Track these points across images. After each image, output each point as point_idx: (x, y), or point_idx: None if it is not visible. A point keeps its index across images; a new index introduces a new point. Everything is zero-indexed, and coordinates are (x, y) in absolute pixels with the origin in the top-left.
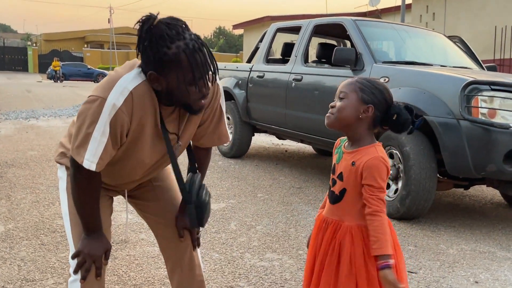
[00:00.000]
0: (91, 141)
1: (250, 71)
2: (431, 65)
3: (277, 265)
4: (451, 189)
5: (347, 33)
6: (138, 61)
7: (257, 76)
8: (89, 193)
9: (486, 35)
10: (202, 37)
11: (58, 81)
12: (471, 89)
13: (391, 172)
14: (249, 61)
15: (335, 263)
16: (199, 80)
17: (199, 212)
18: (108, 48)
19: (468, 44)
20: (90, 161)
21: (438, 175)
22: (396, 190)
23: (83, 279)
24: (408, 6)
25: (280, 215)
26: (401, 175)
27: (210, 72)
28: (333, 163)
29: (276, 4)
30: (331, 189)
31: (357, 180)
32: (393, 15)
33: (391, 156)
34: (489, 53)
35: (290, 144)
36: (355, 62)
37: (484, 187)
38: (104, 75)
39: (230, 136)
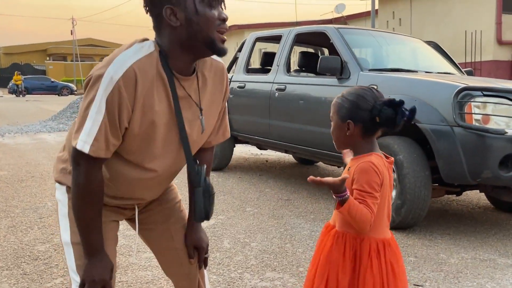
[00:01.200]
0: (87, 121)
1: (230, 81)
2: (416, 71)
3: (279, 284)
4: (443, 196)
5: (330, 41)
6: (138, 40)
7: (238, 87)
8: (90, 198)
9: (452, 39)
10: None
11: (21, 96)
12: (464, 95)
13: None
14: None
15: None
16: (217, 1)
17: (206, 199)
18: (72, 60)
19: (444, 49)
20: (83, 141)
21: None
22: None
23: None
24: (375, 12)
25: (273, 230)
26: (395, 184)
27: None
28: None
29: (242, 12)
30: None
31: (350, 185)
32: (360, 21)
33: None
34: (455, 57)
35: (269, 154)
36: (341, 70)
37: (468, 191)
38: (68, 87)
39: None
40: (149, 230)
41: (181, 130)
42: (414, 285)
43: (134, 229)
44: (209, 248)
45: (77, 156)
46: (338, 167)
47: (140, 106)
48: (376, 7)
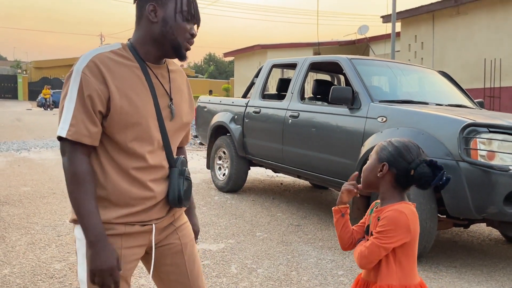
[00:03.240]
0: (63, 112)
1: (246, 106)
2: (427, 103)
3: None
4: (451, 228)
5: (343, 71)
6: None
7: (254, 112)
8: (80, 183)
9: (473, 65)
10: (192, 64)
11: (48, 109)
12: (470, 131)
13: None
14: (244, 96)
15: None
16: (193, 18)
17: (180, 181)
18: None
19: (454, 79)
20: (61, 128)
21: (438, 214)
22: None
23: None
24: (397, 35)
25: (280, 256)
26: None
27: (197, 26)
28: (366, 224)
29: (266, 32)
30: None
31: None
32: (382, 43)
33: None
34: (476, 83)
35: (285, 176)
36: (352, 101)
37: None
38: None
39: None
40: (164, 267)
41: (157, 108)
42: None
43: (149, 267)
44: (216, 272)
45: (61, 145)
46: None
47: (115, 90)
48: (398, 29)
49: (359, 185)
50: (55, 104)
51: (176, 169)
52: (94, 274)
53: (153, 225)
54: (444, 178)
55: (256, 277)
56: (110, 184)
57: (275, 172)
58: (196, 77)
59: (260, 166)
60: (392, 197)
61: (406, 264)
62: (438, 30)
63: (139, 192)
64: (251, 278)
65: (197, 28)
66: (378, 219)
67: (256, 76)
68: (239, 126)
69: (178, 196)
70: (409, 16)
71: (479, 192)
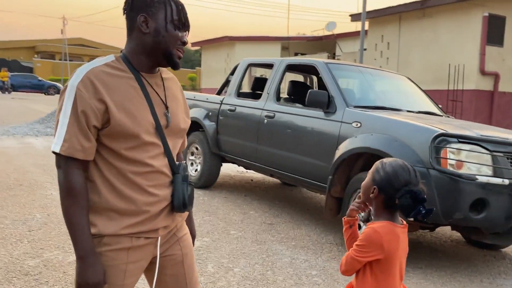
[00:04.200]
0: (58, 127)
1: (221, 103)
2: (399, 110)
3: None
4: (417, 230)
5: (319, 75)
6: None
7: (229, 110)
8: (73, 198)
9: (436, 67)
10: None
11: (6, 93)
12: (440, 140)
13: (362, 214)
14: (218, 93)
15: None
16: (184, 26)
17: (184, 187)
18: (60, 59)
19: (417, 84)
20: (55, 143)
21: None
22: None
23: None
24: (364, 33)
25: (256, 256)
26: (371, 218)
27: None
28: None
29: (234, 22)
30: None
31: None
32: (349, 41)
33: None
34: (438, 85)
35: (254, 172)
36: (327, 105)
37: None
38: (55, 87)
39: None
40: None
41: (155, 117)
42: None
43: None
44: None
45: (56, 159)
46: (320, 193)
47: (112, 104)
48: (366, 28)
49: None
50: (14, 88)
51: (179, 175)
52: (81, 287)
53: (159, 237)
54: (423, 211)
55: (233, 277)
56: (114, 193)
57: (247, 169)
58: None
59: (233, 163)
60: (381, 215)
61: (382, 279)
62: (404, 31)
63: (143, 198)
64: (228, 278)
65: (187, 35)
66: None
67: (232, 73)
68: (213, 123)
69: (183, 201)
70: (376, 16)
71: (447, 199)
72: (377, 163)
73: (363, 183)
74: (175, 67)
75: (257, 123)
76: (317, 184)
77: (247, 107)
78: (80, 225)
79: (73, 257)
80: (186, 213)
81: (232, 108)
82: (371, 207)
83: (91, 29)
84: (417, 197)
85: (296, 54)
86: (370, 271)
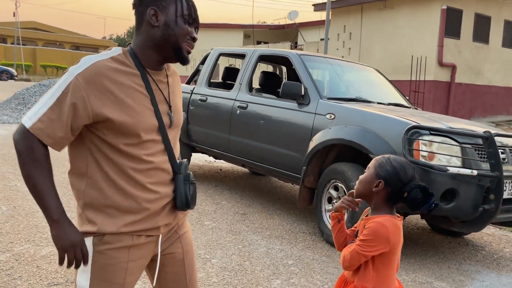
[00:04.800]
0: (38, 102)
1: (192, 93)
2: (370, 102)
3: None
4: None
5: (292, 66)
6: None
7: (200, 100)
8: (34, 163)
9: (397, 58)
10: (115, 36)
11: None
12: (413, 132)
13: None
14: (188, 82)
15: None
16: (194, 22)
17: (186, 186)
18: (13, 43)
19: (385, 76)
20: (28, 117)
21: None
22: None
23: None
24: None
25: (232, 246)
26: (347, 210)
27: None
28: (356, 229)
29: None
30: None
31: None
32: (312, 30)
33: (336, 188)
34: (398, 75)
35: (223, 162)
36: (301, 96)
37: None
38: (8, 72)
39: None
40: (166, 273)
41: (159, 117)
42: None
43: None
44: None
45: (21, 129)
46: (292, 183)
47: (115, 101)
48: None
49: (357, 200)
50: None
51: (181, 175)
52: (66, 251)
53: (160, 235)
54: (433, 204)
55: (211, 268)
56: (114, 188)
57: (216, 159)
58: None
59: (203, 153)
60: (381, 209)
61: (383, 270)
62: (366, 22)
63: (143, 195)
64: (206, 269)
65: (197, 32)
66: (364, 227)
67: (202, 63)
68: (184, 112)
69: (186, 201)
70: (339, 6)
71: None
72: (379, 159)
73: (362, 177)
74: (184, 61)
75: (229, 114)
76: (290, 175)
77: (219, 97)
78: (48, 188)
79: (45, 251)
80: (188, 211)
81: (203, 98)
82: (370, 201)
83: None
84: (427, 190)
85: (259, 43)
86: (372, 264)
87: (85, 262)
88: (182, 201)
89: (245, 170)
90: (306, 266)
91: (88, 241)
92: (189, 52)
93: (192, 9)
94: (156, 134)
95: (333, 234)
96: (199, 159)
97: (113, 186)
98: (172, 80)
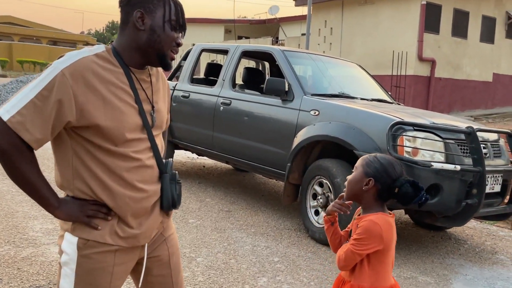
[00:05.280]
0: (17, 94)
1: (174, 89)
2: (354, 98)
3: None
4: None
5: (276, 62)
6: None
7: (182, 96)
8: (20, 151)
9: (378, 53)
10: (93, 31)
11: None
12: (397, 128)
13: (321, 200)
14: (169, 79)
15: None
16: (180, 27)
17: (173, 186)
18: None
19: (368, 72)
20: (5, 109)
21: None
22: None
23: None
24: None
25: (217, 244)
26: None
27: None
28: (349, 229)
29: None
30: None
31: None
32: (293, 25)
33: (321, 184)
34: (379, 70)
35: (206, 159)
36: (285, 92)
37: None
38: None
39: None
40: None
41: (143, 116)
42: None
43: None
44: None
45: None
46: (276, 180)
47: (100, 99)
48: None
49: (348, 202)
50: None
51: (167, 174)
52: (86, 215)
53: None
54: (424, 198)
55: (196, 266)
56: (101, 187)
57: (199, 155)
58: None
59: (186, 150)
60: (373, 207)
61: (379, 268)
62: (347, 17)
63: (132, 194)
64: (192, 268)
65: (183, 36)
66: (358, 226)
67: (184, 59)
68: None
69: (172, 202)
70: (320, 1)
71: None
72: (366, 158)
73: (351, 178)
74: (166, 68)
75: (212, 110)
76: (275, 171)
77: (202, 93)
78: (40, 179)
79: (26, 252)
80: (173, 211)
81: (186, 94)
82: (361, 201)
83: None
84: (417, 185)
85: (240, 38)
86: (368, 262)
87: (103, 207)
88: (168, 201)
89: (229, 166)
90: (292, 263)
91: (72, 245)
92: (173, 59)
93: (180, 14)
94: (140, 132)
95: (328, 237)
96: (182, 155)
97: (101, 185)
98: (156, 80)
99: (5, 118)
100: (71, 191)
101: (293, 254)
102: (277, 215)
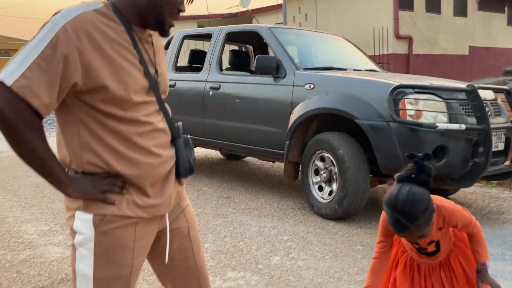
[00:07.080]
0: (17, 56)
1: None
2: (346, 69)
3: (243, 283)
4: (377, 185)
5: (264, 40)
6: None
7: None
8: (27, 122)
9: (354, 34)
10: None
11: None
12: (398, 92)
13: (324, 175)
14: None
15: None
16: None
17: (188, 151)
18: None
19: (355, 44)
20: (7, 73)
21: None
22: (331, 192)
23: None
24: (280, 7)
25: (222, 229)
26: (335, 177)
27: None
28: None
29: None
30: (422, 252)
31: (449, 232)
32: (267, 16)
33: (322, 159)
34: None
35: (196, 150)
36: (276, 69)
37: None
38: None
39: None
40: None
41: (149, 77)
42: None
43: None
44: None
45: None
46: (273, 162)
47: (104, 56)
48: (281, 1)
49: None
50: None
51: (181, 139)
52: (100, 191)
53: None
54: (426, 156)
55: (205, 252)
56: (116, 156)
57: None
58: None
59: None
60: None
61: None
62: (320, 1)
63: (147, 160)
64: None
65: (188, 4)
66: (440, 229)
67: (166, 48)
68: None
69: (190, 166)
70: None
71: (409, 149)
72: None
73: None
74: (164, 34)
75: (201, 96)
76: (273, 152)
77: (189, 80)
78: (48, 151)
79: (23, 255)
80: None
81: (172, 83)
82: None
83: None
84: (419, 165)
85: None
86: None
87: (117, 179)
88: (186, 167)
89: (219, 156)
90: (303, 240)
91: (87, 223)
92: (171, 26)
93: None
94: (147, 95)
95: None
96: None
97: (115, 154)
98: (156, 40)
99: (8, 83)
100: (80, 166)
101: (302, 232)
102: (278, 196)
